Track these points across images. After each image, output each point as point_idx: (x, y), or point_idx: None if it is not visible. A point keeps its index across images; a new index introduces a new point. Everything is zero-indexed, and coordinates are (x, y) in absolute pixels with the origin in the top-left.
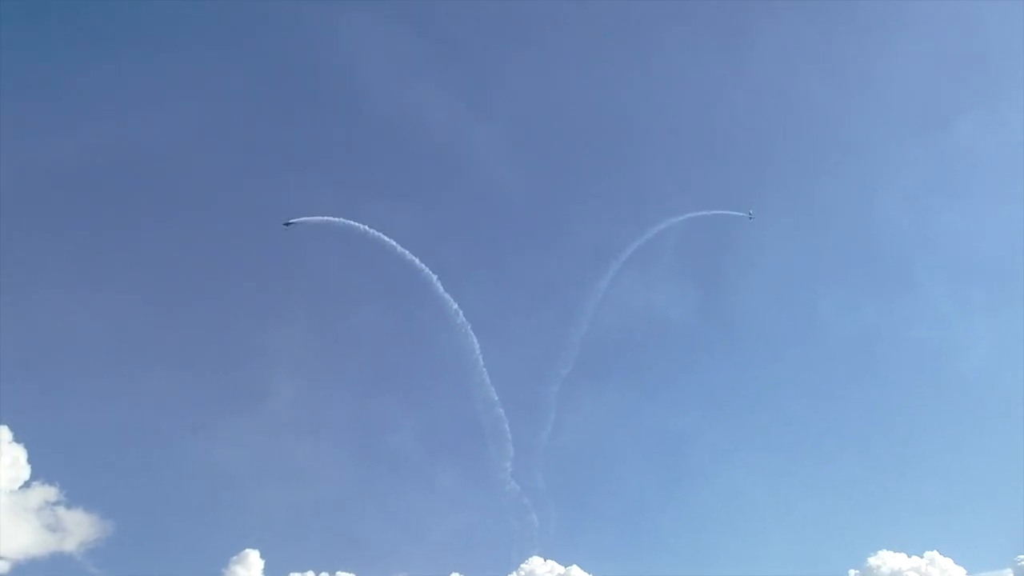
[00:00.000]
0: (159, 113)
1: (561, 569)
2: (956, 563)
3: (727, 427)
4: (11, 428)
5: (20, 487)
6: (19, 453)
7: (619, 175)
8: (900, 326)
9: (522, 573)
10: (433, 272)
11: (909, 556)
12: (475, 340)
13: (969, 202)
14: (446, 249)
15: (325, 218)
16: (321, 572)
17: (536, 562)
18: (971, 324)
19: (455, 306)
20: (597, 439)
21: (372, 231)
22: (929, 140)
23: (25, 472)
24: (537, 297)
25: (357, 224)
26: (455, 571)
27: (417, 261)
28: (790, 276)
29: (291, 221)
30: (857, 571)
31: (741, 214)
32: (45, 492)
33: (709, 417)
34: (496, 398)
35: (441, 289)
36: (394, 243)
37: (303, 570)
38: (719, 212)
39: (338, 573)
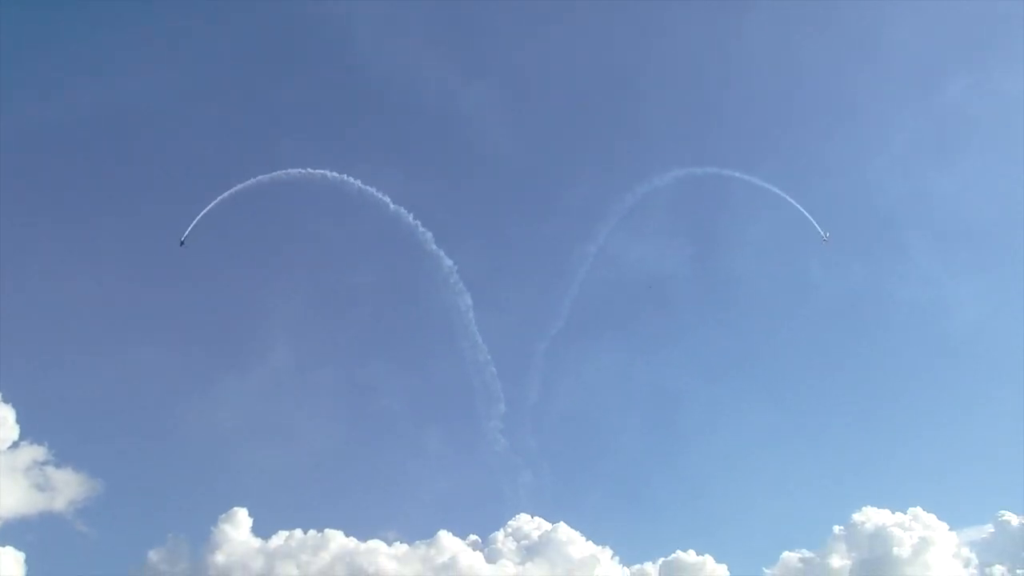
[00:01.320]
0: (147, 74)
1: (548, 526)
2: (939, 519)
3: (718, 387)
4: (0, 388)
5: (9, 447)
6: (8, 413)
7: (614, 136)
8: (889, 287)
9: (509, 530)
10: (427, 230)
11: (893, 512)
12: (468, 300)
13: (960, 164)
14: (438, 209)
15: (218, 198)
16: (309, 530)
17: (523, 519)
18: (959, 286)
19: (449, 264)
20: (589, 399)
21: (304, 173)
22: (921, 102)
23: (14, 432)
24: (530, 257)
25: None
26: (443, 529)
27: (410, 218)
28: (782, 236)
29: (184, 239)
30: (841, 527)
31: (821, 233)
32: (34, 452)
33: (700, 377)
34: (488, 358)
35: (434, 248)
36: (387, 200)
37: (291, 528)
38: (807, 215)
39: (326, 531)
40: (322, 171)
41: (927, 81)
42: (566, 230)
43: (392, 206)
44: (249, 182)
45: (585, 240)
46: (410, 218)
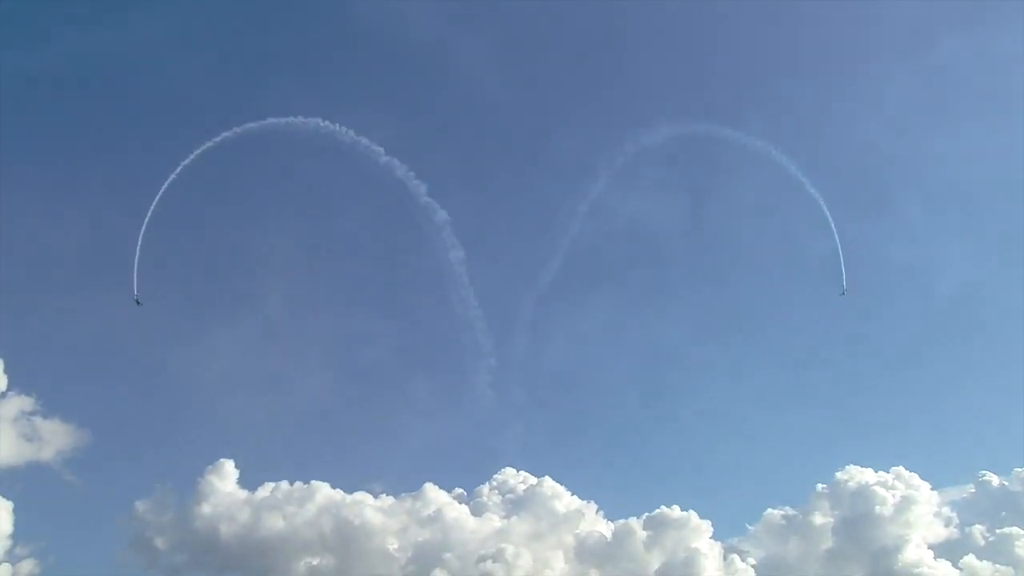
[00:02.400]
0: (137, 20)
1: (533, 480)
2: (922, 478)
3: (707, 345)
4: None
5: None
6: None
7: (606, 86)
8: (879, 248)
9: (495, 483)
10: (419, 181)
11: (876, 471)
12: (460, 253)
13: (951, 124)
14: (430, 158)
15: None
16: (295, 482)
17: (509, 473)
18: (949, 247)
19: (441, 215)
20: (580, 353)
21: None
22: (915, 62)
23: (1, 382)
24: (522, 209)
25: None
26: (429, 481)
27: (403, 169)
28: (773, 194)
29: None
30: (824, 485)
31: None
32: (21, 402)
33: (690, 334)
34: (478, 311)
35: (427, 199)
36: (380, 150)
37: (277, 480)
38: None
39: (312, 483)
40: (314, 119)
41: (921, 41)
42: (559, 182)
43: (384, 157)
44: (236, 130)
45: (578, 193)
46: (403, 169)
